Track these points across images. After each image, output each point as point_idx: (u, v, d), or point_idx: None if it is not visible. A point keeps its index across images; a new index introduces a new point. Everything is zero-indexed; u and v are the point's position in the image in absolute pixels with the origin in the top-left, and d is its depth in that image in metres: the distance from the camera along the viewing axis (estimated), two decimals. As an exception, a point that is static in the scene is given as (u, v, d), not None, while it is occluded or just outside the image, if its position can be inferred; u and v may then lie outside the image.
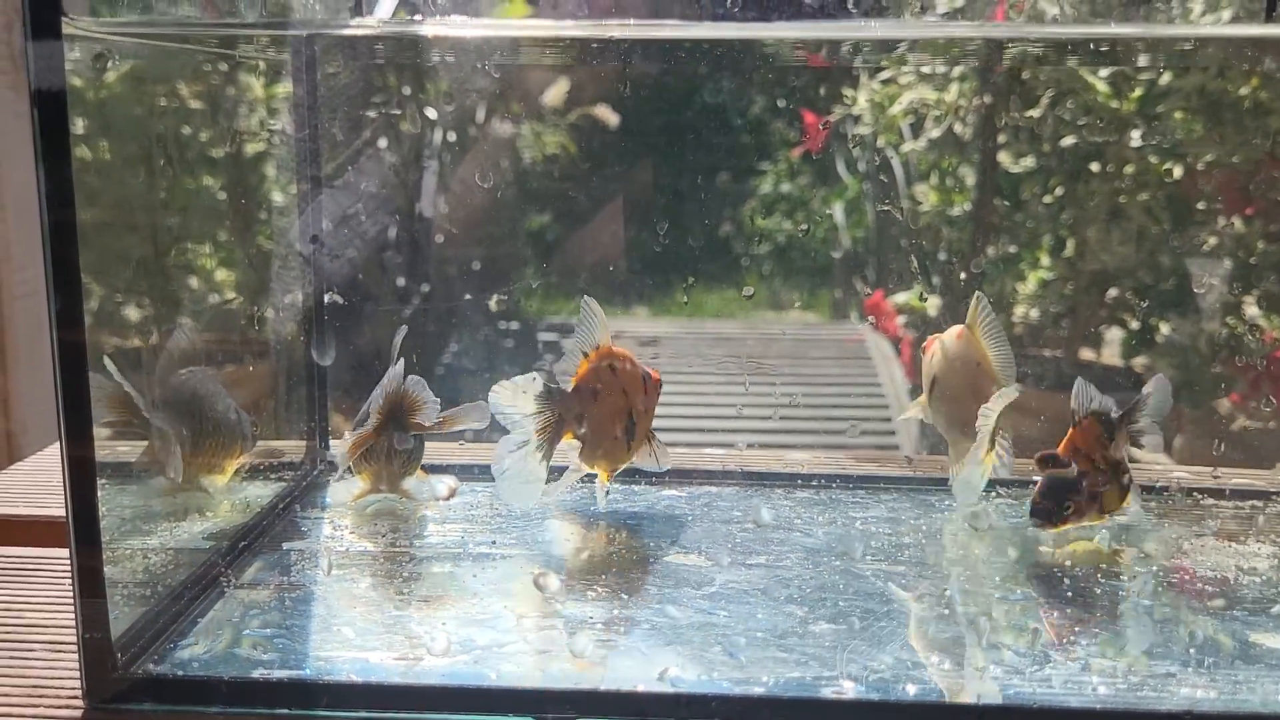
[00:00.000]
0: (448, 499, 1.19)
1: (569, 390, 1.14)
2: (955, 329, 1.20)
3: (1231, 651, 0.92)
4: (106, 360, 0.98)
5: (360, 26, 1.17)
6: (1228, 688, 0.86)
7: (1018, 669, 0.89)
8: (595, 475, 1.18)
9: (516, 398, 1.11)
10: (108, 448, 0.98)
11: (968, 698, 0.85)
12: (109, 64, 0.92)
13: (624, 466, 1.19)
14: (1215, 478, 1.26)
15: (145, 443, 1.07)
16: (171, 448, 1.07)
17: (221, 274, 1.37)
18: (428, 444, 1.21)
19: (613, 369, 1.15)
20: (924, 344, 1.24)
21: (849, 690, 0.85)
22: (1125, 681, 0.87)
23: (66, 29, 0.79)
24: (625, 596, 0.99)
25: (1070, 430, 1.12)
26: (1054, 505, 1.10)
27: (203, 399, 1.13)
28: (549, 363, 1.17)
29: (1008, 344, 1.18)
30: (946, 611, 0.98)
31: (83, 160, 0.85)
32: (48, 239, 0.80)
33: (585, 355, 1.15)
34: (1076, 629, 0.94)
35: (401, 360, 1.15)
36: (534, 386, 1.11)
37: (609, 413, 1.14)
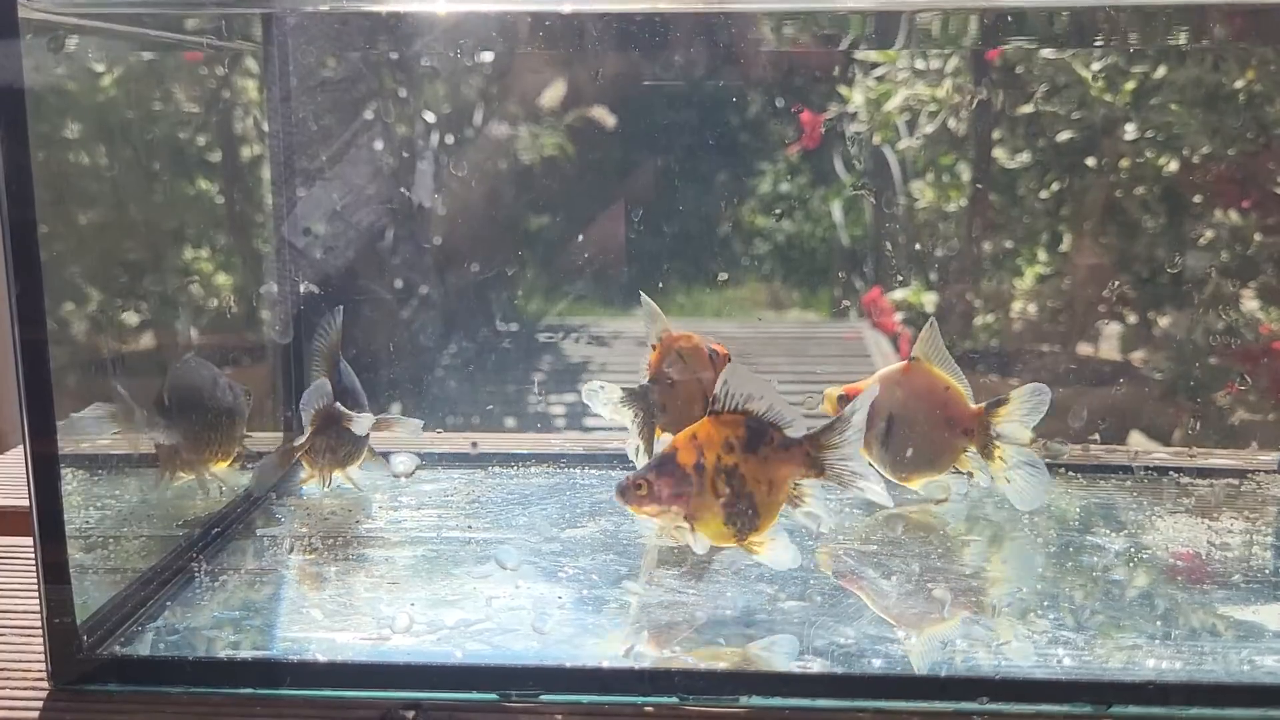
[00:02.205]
0: (408, 476, 1.19)
1: (647, 384, 1.13)
2: (899, 364, 1.13)
3: (1200, 624, 0.92)
4: (118, 387, 0.99)
5: (326, 3, 1.17)
6: (1194, 659, 0.86)
7: (982, 641, 0.89)
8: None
9: (612, 410, 1.10)
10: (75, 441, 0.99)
11: (931, 670, 0.85)
12: (65, 46, 0.92)
13: None
14: (1191, 457, 1.25)
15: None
16: (176, 459, 1.07)
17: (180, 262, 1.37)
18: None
19: (679, 355, 1.13)
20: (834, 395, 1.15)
21: (814, 664, 0.85)
22: (1092, 653, 0.87)
23: (23, 13, 0.80)
24: (596, 577, 1.00)
25: (704, 418, 0.96)
26: (631, 481, 0.95)
27: (200, 390, 1.10)
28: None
29: (958, 367, 1.11)
30: (913, 588, 0.98)
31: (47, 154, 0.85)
32: (7, 235, 0.80)
33: (652, 348, 1.14)
34: (1045, 604, 0.94)
35: (326, 381, 1.13)
36: (613, 394, 1.10)
37: (687, 396, 1.13)
